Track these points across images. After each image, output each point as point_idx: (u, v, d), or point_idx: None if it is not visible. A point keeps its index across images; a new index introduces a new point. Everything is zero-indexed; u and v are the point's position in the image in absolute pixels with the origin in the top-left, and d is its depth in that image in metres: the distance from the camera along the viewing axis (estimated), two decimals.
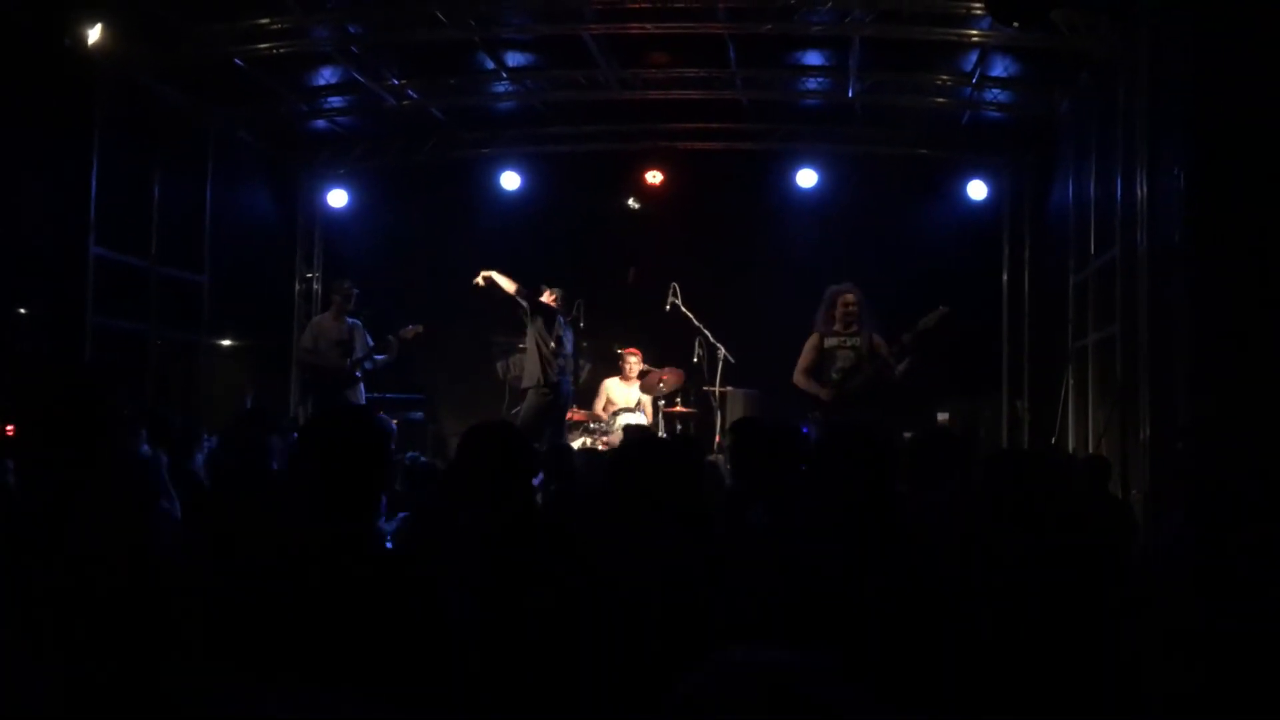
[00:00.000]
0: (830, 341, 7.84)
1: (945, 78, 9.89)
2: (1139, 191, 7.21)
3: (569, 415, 9.77)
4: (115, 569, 2.24)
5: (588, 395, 10.25)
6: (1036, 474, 3.13)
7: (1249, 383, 5.80)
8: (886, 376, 7.66)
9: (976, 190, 11.17)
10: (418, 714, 1.97)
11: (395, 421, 9.37)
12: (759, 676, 1.21)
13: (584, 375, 10.44)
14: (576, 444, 9.05)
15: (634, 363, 10.03)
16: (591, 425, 9.66)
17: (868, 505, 2.99)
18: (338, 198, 11.95)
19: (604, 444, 9.30)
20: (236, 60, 9.11)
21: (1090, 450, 8.02)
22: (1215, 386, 6.02)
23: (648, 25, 8.65)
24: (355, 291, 9.30)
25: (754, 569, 2.65)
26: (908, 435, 7.03)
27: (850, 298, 7.86)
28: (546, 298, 9.12)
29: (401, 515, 5.41)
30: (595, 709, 2.37)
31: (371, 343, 9.26)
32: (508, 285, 9.02)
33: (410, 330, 9.17)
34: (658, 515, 2.49)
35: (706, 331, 9.60)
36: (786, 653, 1.24)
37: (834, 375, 7.74)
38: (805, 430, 7.38)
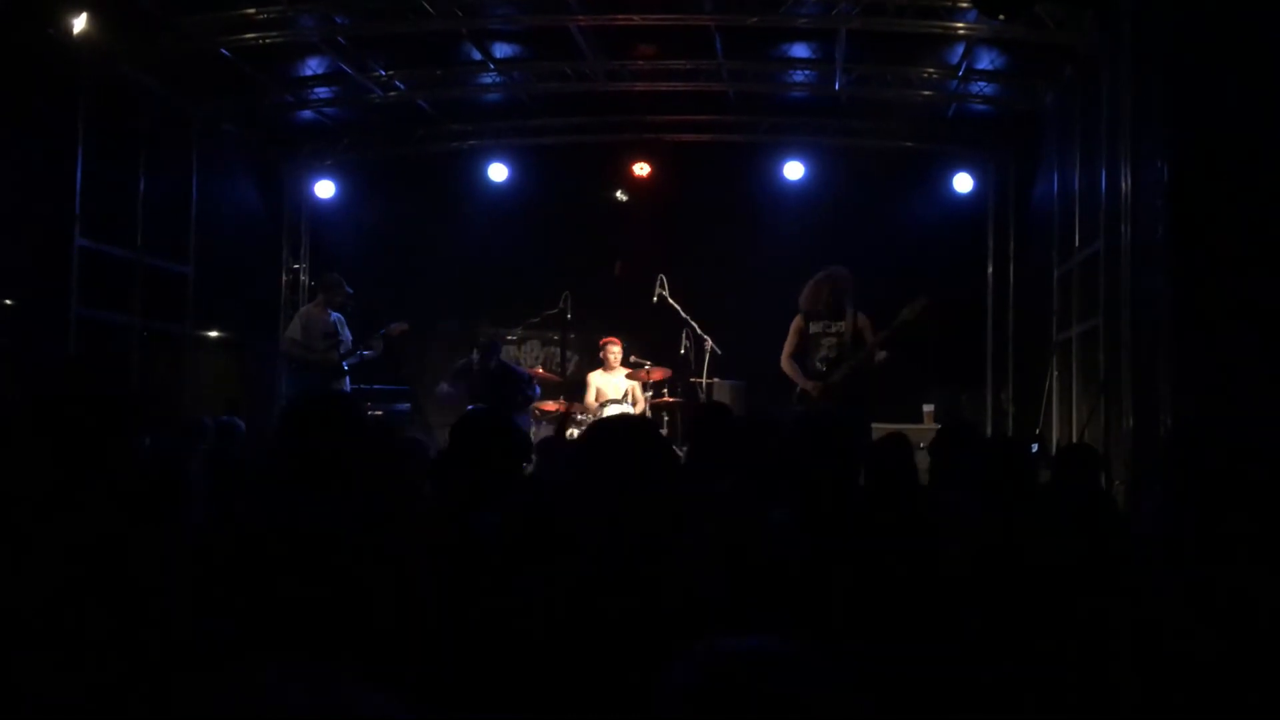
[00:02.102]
0: (815, 326, 7.80)
1: (931, 70, 9.93)
2: (1123, 184, 7.25)
3: (556, 407, 9.79)
4: (131, 562, 2.25)
5: (576, 389, 10.27)
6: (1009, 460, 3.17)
7: (1231, 375, 5.85)
8: (869, 364, 7.64)
9: (962, 182, 11.23)
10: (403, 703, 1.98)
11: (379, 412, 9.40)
12: (747, 666, 1.22)
13: (571, 368, 10.45)
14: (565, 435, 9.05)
15: (615, 352, 10.03)
16: (579, 417, 9.66)
17: (830, 493, 3.03)
18: (324, 189, 11.93)
19: None
20: (222, 51, 9.09)
21: (1074, 440, 8.07)
22: (1198, 378, 6.08)
23: (634, 17, 8.67)
24: (349, 291, 9.26)
25: (716, 547, 2.67)
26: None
27: (836, 279, 7.82)
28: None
29: None
30: (578, 698, 2.38)
31: (350, 336, 9.25)
32: None
33: (396, 328, 9.17)
34: (626, 493, 2.51)
35: (693, 323, 9.61)
36: (774, 641, 1.25)
37: (819, 365, 7.73)
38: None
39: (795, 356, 7.81)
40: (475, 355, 9.51)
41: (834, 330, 7.73)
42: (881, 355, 7.62)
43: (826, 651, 1.26)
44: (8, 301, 7.72)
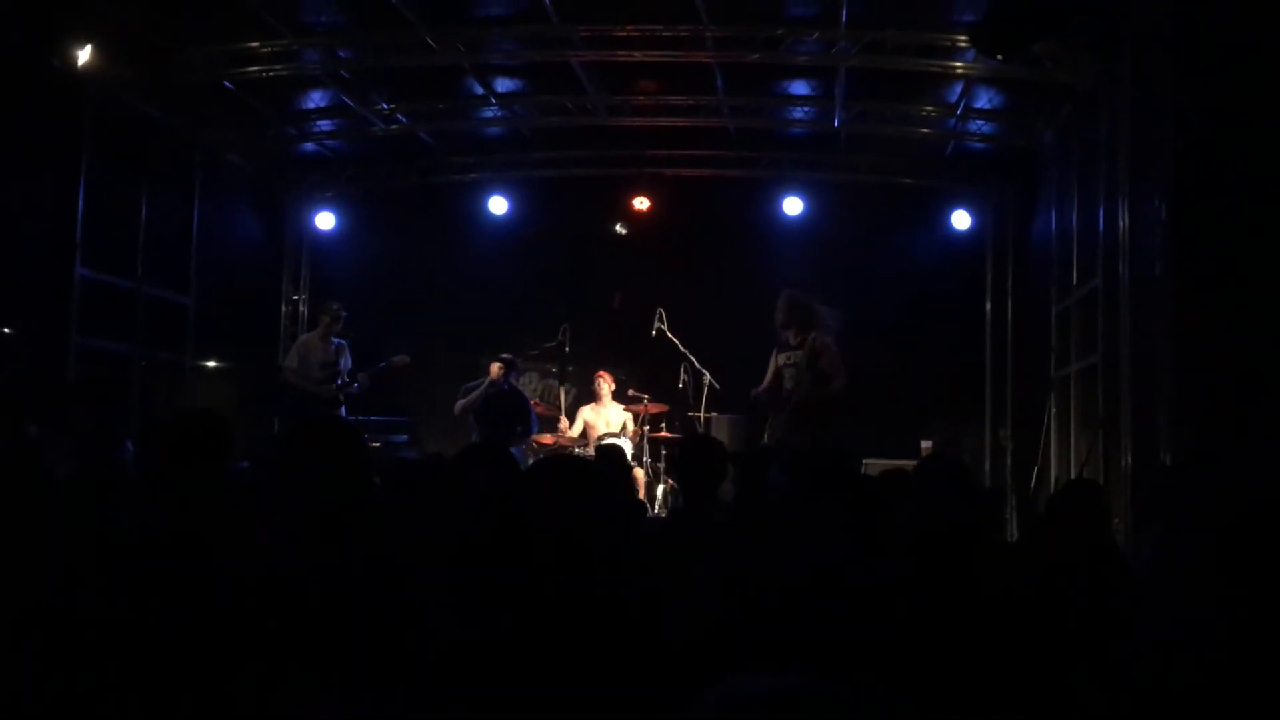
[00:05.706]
0: (782, 358, 7.84)
1: (930, 108, 9.99)
2: (1120, 222, 7.28)
3: (552, 441, 9.78)
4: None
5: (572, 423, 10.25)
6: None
7: (1230, 413, 5.84)
8: (816, 396, 7.54)
9: (960, 219, 11.27)
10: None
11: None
12: (771, 706, 1.19)
13: (568, 401, 10.44)
14: None
15: (606, 386, 10.03)
16: (576, 450, 9.63)
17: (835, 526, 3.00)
18: (325, 220, 11.96)
19: None
20: (226, 83, 9.15)
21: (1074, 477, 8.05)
22: (1196, 416, 6.07)
23: (635, 53, 8.72)
24: (344, 314, 9.33)
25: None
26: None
27: (780, 304, 7.84)
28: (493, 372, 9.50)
29: None
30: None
31: (350, 363, 9.29)
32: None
33: (399, 360, 9.24)
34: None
35: (692, 357, 9.63)
36: (796, 679, 1.23)
37: (784, 396, 7.75)
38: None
39: (770, 389, 7.83)
40: (488, 379, 9.55)
41: (793, 360, 7.73)
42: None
43: (849, 688, 1.23)
44: (6, 330, 7.70)
